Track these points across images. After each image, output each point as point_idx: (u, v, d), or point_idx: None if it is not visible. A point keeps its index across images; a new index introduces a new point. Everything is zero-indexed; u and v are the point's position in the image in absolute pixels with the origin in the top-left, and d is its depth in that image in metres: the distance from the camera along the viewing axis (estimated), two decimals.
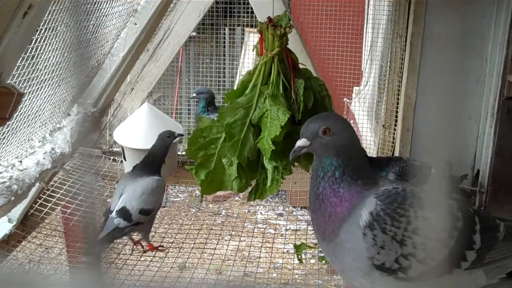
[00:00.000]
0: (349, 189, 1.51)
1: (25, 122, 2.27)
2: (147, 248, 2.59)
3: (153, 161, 2.56)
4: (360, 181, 1.52)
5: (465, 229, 1.51)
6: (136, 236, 2.61)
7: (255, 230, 3.30)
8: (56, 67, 2.27)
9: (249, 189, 2.16)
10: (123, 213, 2.42)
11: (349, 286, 2.43)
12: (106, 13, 2.47)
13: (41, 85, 2.22)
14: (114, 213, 2.41)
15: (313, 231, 1.66)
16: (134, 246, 2.60)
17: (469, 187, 2.93)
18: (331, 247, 1.54)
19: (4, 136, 2.15)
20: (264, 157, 2.04)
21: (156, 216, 2.64)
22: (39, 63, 2.11)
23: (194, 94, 3.29)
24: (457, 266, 1.51)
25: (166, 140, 2.59)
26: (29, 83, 2.08)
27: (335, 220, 1.50)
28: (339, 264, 1.58)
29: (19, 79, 1.95)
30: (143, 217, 2.44)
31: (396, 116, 3.28)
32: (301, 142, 1.56)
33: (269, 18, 2.13)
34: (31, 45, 1.96)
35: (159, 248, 2.63)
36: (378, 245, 1.45)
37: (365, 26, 4.51)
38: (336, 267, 1.64)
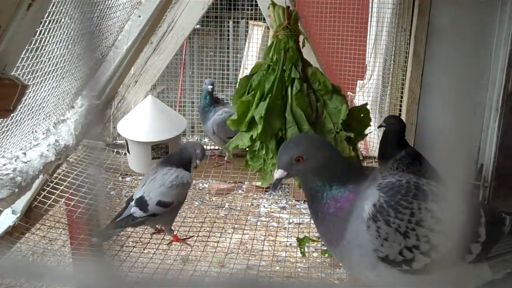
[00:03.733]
0: (343, 194, 1.51)
1: (29, 114, 2.28)
2: (173, 239, 2.60)
3: (179, 160, 2.55)
4: (350, 183, 1.52)
5: (469, 221, 1.51)
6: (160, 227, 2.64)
7: (258, 223, 3.30)
8: (60, 59, 2.27)
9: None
10: (140, 203, 2.42)
11: (352, 279, 2.44)
12: (110, 5, 2.47)
13: (45, 77, 2.22)
14: (133, 202, 2.43)
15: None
16: (156, 233, 2.63)
17: (473, 181, 2.93)
18: (339, 250, 1.56)
19: (8, 128, 2.16)
20: None
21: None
22: (43, 55, 2.11)
23: (211, 86, 3.23)
24: (461, 259, 1.51)
25: (195, 154, 2.57)
26: (33, 75, 2.08)
27: (339, 227, 1.50)
28: (347, 262, 1.59)
29: (23, 71, 1.95)
30: (160, 209, 2.42)
31: (400, 110, 3.27)
32: (278, 174, 1.55)
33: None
34: (35, 37, 1.96)
35: (186, 240, 2.64)
36: (382, 237, 1.45)
37: (369, 19, 4.50)
38: (345, 266, 1.65)
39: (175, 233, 2.60)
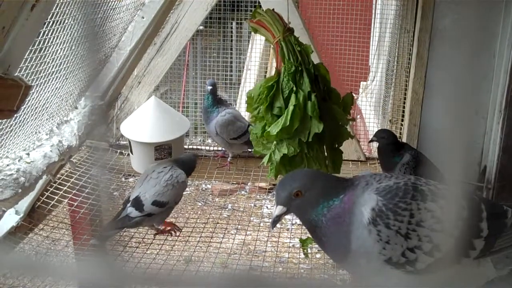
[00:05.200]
0: (338, 207, 1.52)
1: (32, 114, 2.28)
2: (161, 229, 2.60)
3: (180, 161, 2.58)
4: (342, 193, 1.53)
5: (471, 217, 1.51)
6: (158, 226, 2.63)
7: (261, 224, 3.30)
8: (64, 60, 2.27)
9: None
10: (136, 202, 2.43)
11: (354, 280, 2.44)
12: (114, 6, 2.47)
13: (49, 78, 2.23)
14: (130, 203, 2.44)
15: None
16: (161, 233, 2.62)
17: (476, 183, 2.93)
18: (348, 263, 1.57)
19: (11, 128, 2.16)
20: None
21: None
22: (47, 56, 2.12)
23: (211, 87, 3.22)
24: (465, 255, 1.51)
25: (194, 160, 2.64)
26: (37, 76, 2.09)
27: (344, 242, 1.51)
28: (357, 272, 1.62)
29: (26, 71, 1.96)
30: (155, 209, 2.43)
31: (403, 111, 3.27)
32: (278, 211, 1.57)
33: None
34: (39, 38, 1.96)
35: (174, 227, 2.64)
36: (383, 240, 1.46)
37: (372, 21, 4.49)
38: (354, 275, 1.67)
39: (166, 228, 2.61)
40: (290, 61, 2.19)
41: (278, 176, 2.25)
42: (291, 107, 2.13)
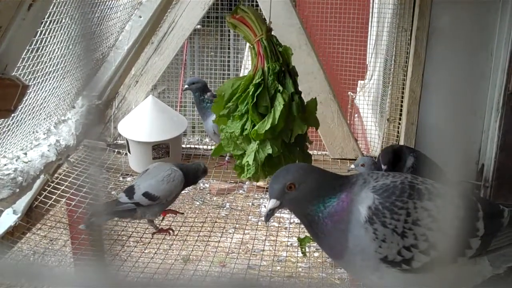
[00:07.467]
0: (337, 205, 1.52)
1: (30, 114, 2.28)
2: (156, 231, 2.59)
3: (185, 167, 2.59)
4: (340, 191, 1.53)
5: (467, 216, 1.51)
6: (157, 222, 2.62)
7: (259, 223, 3.30)
8: (61, 59, 2.27)
9: None
10: (129, 190, 2.45)
11: (352, 280, 2.44)
12: (111, 6, 2.47)
13: (46, 77, 2.23)
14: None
15: None
16: (159, 232, 2.61)
17: (473, 181, 2.94)
18: (344, 261, 1.57)
19: (9, 128, 2.16)
20: None
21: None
22: (44, 55, 2.12)
23: (186, 86, 3.21)
24: (461, 254, 1.51)
25: (199, 176, 2.64)
26: (34, 75, 2.08)
27: (341, 239, 1.51)
28: (352, 269, 1.62)
29: (24, 71, 1.96)
30: (145, 200, 2.42)
31: (401, 110, 3.27)
32: (271, 204, 1.56)
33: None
34: (36, 37, 1.96)
35: (168, 230, 2.63)
36: (379, 238, 1.46)
37: (370, 19, 4.49)
38: (351, 272, 1.67)
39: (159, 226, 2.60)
40: (273, 61, 2.18)
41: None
42: (279, 107, 2.12)
